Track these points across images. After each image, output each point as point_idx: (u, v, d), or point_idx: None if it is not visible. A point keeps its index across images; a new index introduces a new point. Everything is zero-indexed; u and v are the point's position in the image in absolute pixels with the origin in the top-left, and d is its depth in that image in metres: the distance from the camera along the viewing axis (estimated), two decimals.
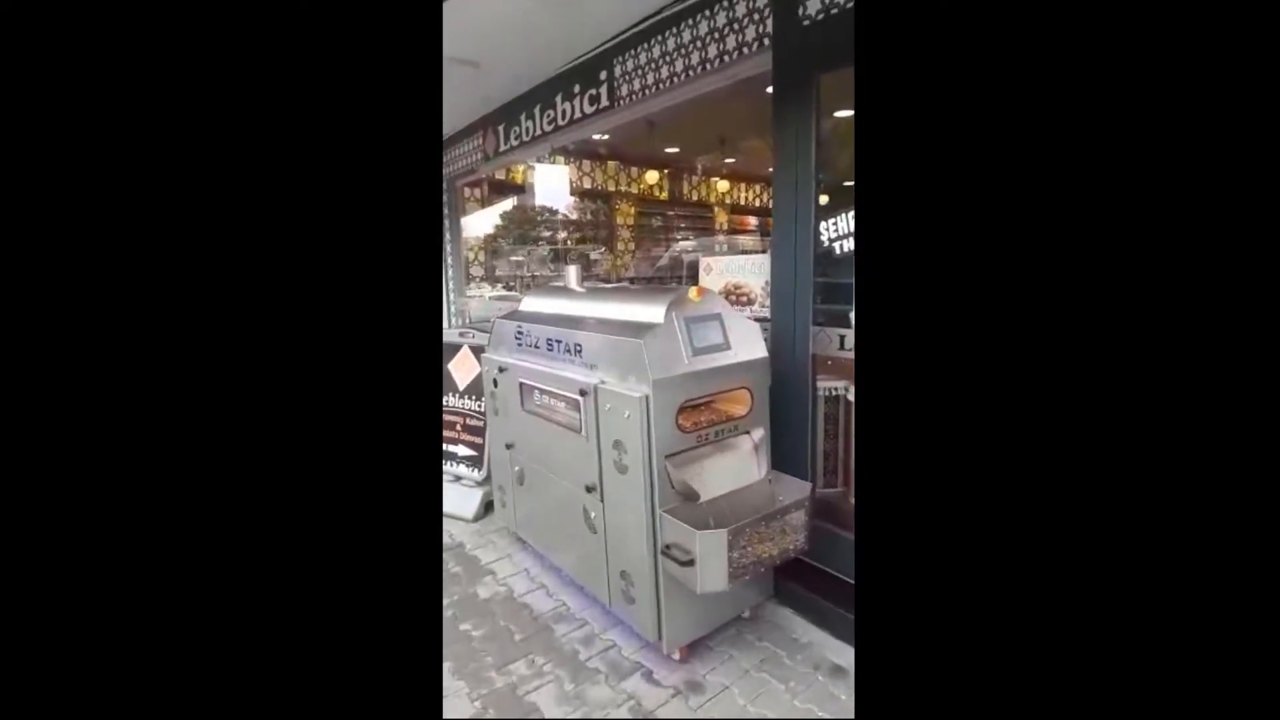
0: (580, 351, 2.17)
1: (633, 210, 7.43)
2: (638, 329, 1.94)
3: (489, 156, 4.81)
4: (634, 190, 7.46)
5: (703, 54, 2.63)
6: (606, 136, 6.23)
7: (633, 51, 3.07)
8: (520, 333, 2.58)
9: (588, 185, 6.98)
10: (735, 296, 2.67)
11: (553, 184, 6.46)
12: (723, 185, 8.05)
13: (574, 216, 6.79)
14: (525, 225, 6.14)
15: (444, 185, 5.75)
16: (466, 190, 5.84)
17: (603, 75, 3.30)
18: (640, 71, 3.03)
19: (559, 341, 2.30)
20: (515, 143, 4.36)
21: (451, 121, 5.05)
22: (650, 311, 1.99)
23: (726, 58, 2.52)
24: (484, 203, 6.03)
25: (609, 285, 2.89)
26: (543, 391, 2.35)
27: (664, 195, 7.81)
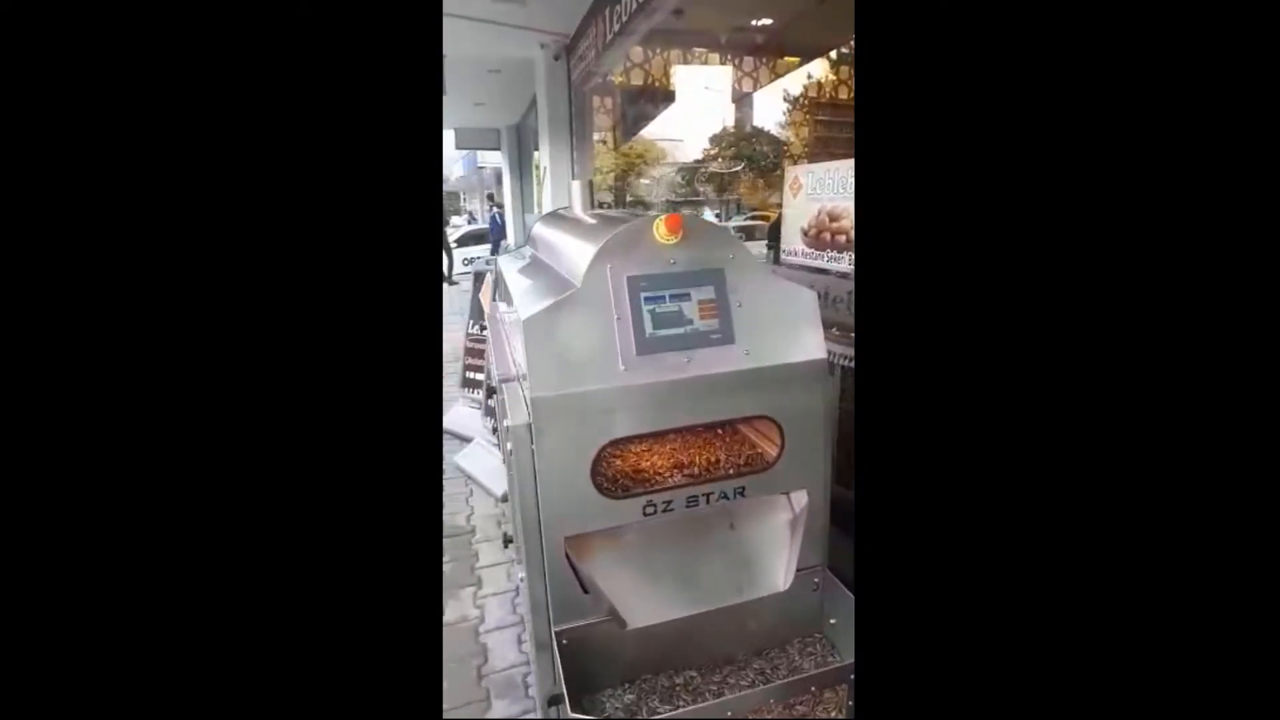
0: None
1: (806, 119, 5.96)
2: (550, 290, 1.05)
3: (599, 52, 3.94)
4: (812, 95, 5.95)
5: None
6: (769, 22, 4.89)
7: None
8: (502, 276, 1.83)
9: (748, 89, 5.70)
10: (831, 234, 1.55)
11: (701, 91, 5.36)
12: None
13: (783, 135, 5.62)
14: (740, 144, 5.18)
15: (569, 94, 5.04)
16: (596, 100, 5.07)
17: None
18: None
19: (510, 294, 1.49)
20: (617, 28, 3.43)
21: (568, 19, 4.25)
22: (573, 260, 1.07)
23: None
24: (613, 114, 5.19)
25: (616, 212, 1.94)
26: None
27: (849, 98, 6.14)
